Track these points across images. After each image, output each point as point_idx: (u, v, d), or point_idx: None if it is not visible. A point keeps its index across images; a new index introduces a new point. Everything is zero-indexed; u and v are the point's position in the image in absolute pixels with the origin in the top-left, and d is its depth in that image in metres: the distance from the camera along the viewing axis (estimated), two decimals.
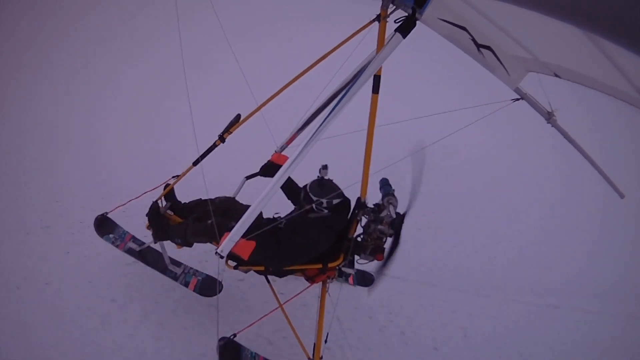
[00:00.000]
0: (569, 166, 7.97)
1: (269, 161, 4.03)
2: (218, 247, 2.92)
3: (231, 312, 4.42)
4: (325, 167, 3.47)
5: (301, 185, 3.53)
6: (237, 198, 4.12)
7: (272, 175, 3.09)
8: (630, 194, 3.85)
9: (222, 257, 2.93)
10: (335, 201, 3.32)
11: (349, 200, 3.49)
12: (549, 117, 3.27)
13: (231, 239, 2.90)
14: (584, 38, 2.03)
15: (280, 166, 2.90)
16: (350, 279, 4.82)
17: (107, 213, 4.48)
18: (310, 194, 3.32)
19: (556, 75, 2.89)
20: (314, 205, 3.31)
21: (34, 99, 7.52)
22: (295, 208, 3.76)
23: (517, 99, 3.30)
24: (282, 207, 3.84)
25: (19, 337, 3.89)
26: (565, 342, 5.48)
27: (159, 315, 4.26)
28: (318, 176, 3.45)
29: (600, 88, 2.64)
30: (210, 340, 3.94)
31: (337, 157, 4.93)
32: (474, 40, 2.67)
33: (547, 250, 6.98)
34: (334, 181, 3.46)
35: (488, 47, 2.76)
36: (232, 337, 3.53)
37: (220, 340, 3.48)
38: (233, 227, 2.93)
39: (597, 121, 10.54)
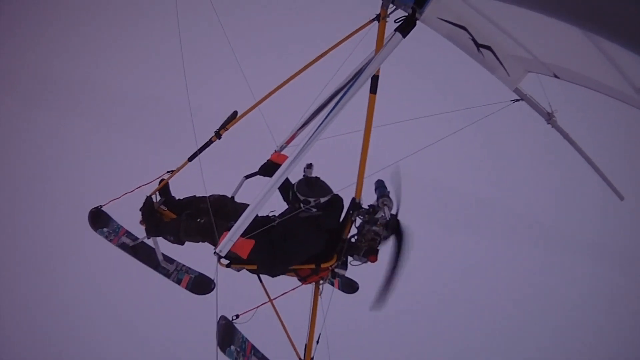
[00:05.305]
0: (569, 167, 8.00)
1: (268, 160, 3.97)
2: (217, 247, 2.90)
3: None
4: (310, 165, 3.42)
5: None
6: (235, 197, 4.08)
7: (271, 174, 3.06)
8: (629, 196, 3.82)
9: (221, 256, 2.93)
10: (323, 199, 3.28)
11: (340, 198, 3.45)
12: (549, 117, 3.23)
13: (230, 239, 2.88)
14: (583, 38, 2.00)
15: (279, 165, 2.87)
16: (336, 282, 4.77)
17: (101, 206, 4.42)
18: (297, 193, 3.28)
19: (555, 76, 2.85)
20: (302, 205, 3.27)
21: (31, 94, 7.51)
22: (288, 207, 3.72)
23: (517, 100, 3.25)
24: (280, 204, 3.81)
25: None
26: None
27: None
28: (304, 175, 3.41)
29: (600, 89, 2.61)
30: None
31: (336, 156, 4.89)
32: (473, 40, 2.63)
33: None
34: (321, 179, 3.42)
35: (488, 47, 2.72)
36: (233, 318, 3.79)
37: (220, 319, 3.71)
38: (232, 226, 2.90)
39: (597, 122, 10.50)
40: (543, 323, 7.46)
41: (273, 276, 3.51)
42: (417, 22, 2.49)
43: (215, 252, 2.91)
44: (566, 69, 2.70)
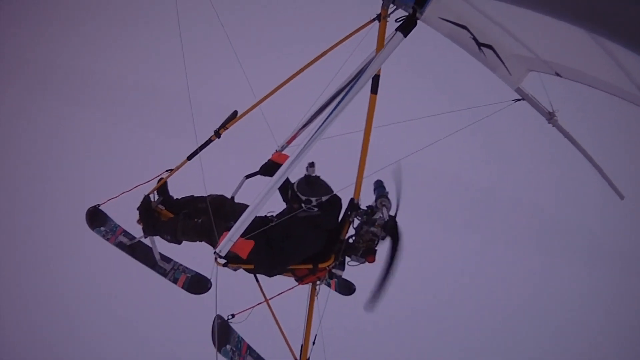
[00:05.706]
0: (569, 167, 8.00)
1: (269, 160, 3.94)
2: (217, 247, 2.89)
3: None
4: (312, 164, 3.39)
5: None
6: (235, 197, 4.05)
7: (272, 174, 3.03)
8: (630, 196, 3.80)
9: (220, 256, 2.92)
10: (325, 198, 3.25)
11: (338, 198, 3.43)
12: (550, 117, 3.20)
13: (230, 239, 2.86)
14: (586, 36, 1.97)
15: (280, 165, 2.85)
16: (333, 284, 4.74)
17: (99, 205, 4.40)
18: (298, 193, 3.26)
19: (557, 75, 2.82)
20: (304, 205, 3.24)
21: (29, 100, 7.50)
22: (286, 207, 3.70)
23: (518, 100, 3.23)
24: (279, 204, 3.80)
25: None
26: None
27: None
28: (305, 174, 3.39)
29: (602, 87, 2.58)
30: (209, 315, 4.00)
31: (336, 156, 4.87)
32: (475, 39, 2.61)
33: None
34: (321, 178, 3.40)
35: (489, 46, 2.69)
36: (228, 317, 3.77)
37: (216, 318, 3.67)
38: (232, 226, 2.88)
39: (598, 121, 10.48)
40: (543, 323, 7.45)
41: (270, 276, 3.50)
42: (418, 21, 2.48)
43: (215, 252, 2.90)
44: (569, 67, 2.68)
